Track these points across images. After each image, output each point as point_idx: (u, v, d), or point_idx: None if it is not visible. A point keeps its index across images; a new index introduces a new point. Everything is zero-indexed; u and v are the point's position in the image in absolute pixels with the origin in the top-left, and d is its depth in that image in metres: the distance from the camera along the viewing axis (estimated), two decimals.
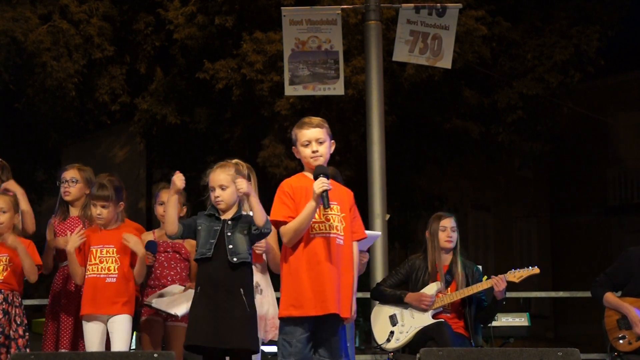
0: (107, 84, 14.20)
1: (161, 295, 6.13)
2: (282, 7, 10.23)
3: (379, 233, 6.09)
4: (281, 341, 4.80)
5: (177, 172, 5.25)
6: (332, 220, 4.79)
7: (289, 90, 9.92)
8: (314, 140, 4.86)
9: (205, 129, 14.47)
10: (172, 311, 6.01)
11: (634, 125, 21.46)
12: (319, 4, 12.16)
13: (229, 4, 13.40)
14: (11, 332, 5.89)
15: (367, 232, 5.94)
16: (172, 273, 6.25)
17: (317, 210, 4.76)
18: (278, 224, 4.82)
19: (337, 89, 9.75)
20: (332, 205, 4.78)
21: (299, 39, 9.64)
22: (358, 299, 6.18)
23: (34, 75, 13.26)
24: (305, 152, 4.87)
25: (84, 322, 5.88)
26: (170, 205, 5.21)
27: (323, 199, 4.67)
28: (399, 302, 6.40)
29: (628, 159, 21.89)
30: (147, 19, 14.55)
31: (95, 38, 13.63)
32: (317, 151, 4.85)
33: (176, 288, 6.17)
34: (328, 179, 4.74)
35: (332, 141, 4.98)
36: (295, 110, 12.92)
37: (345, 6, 10.35)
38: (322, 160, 4.85)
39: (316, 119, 4.96)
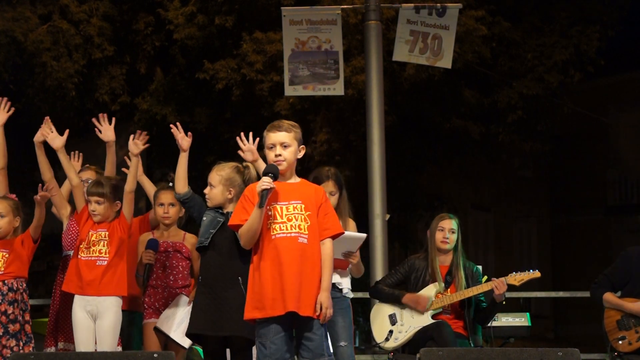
0: (107, 84, 14.20)
1: (168, 315, 6.12)
2: (282, 7, 10.23)
3: (364, 235, 6.03)
4: (258, 345, 4.80)
5: (172, 126, 5.69)
6: (294, 220, 4.80)
7: (289, 91, 9.93)
8: (279, 144, 4.87)
9: (205, 129, 14.47)
10: (180, 340, 6.02)
11: (634, 125, 21.46)
12: (319, 4, 12.15)
13: (229, 4, 13.40)
14: (20, 318, 6.00)
15: (351, 233, 5.92)
16: (175, 272, 6.27)
17: (280, 211, 4.79)
18: (238, 228, 4.86)
19: (337, 89, 9.75)
20: (295, 204, 4.82)
21: (299, 39, 9.64)
22: (358, 299, 6.19)
23: (34, 75, 13.26)
24: (269, 156, 4.90)
25: (73, 315, 5.90)
26: (180, 164, 5.54)
27: (261, 198, 4.68)
28: (396, 302, 6.41)
29: (628, 159, 21.90)
30: (147, 19, 14.54)
31: (95, 38, 13.63)
32: (279, 155, 4.85)
33: (182, 301, 6.16)
34: (275, 179, 4.76)
35: (302, 146, 4.97)
36: (295, 110, 12.92)
37: (345, 6, 10.35)
38: (285, 165, 4.85)
39: (286, 123, 4.96)
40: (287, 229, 4.77)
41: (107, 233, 5.97)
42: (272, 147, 4.88)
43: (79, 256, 5.96)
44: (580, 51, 13.86)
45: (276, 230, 4.77)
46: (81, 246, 5.98)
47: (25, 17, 12.97)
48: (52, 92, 13.39)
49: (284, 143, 4.87)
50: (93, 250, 5.93)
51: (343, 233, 5.05)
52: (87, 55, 13.68)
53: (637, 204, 21.90)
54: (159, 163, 16.46)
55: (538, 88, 13.85)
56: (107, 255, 5.92)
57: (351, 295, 6.08)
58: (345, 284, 6.01)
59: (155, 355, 4.89)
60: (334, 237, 4.92)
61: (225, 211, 5.38)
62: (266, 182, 4.70)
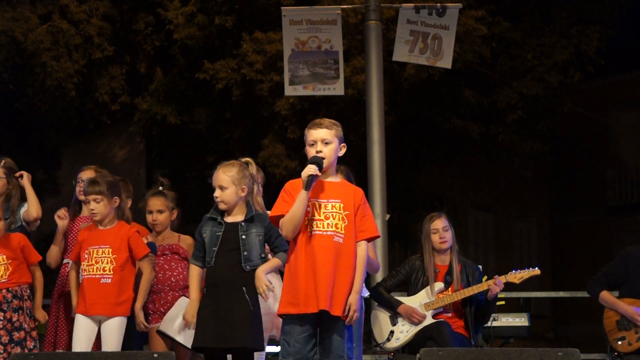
0: (107, 84, 14.20)
1: (171, 317, 6.10)
2: (282, 7, 10.23)
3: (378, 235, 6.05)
4: (282, 341, 4.85)
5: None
6: (332, 218, 4.83)
7: (289, 91, 9.93)
8: (320, 141, 4.90)
9: (205, 129, 14.47)
10: (186, 343, 5.99)
11: (634, 125, 21.46)
12: (319, 4, 12.15)
13: (229, 4, 13.40)
14: (25, 325, 5.96)
15: None
16: (175, 274, 6.26)
17: (319, 208, 4.82)
18: (278, 220, 4.87)
19: (337, 89, 9.75)
20: (333, 203, 4.85)
21: (299, 39, 9.64)
22: None
23: (34, 75, 13.26)
24: (310, 153, 4.93)
25: (76, 317, 5.88)
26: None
27: (307, 182, 4.73)
28: (391, 310, 6.42)
29: (628, 159, 21.90)
30: (147, 19, 14.54)
31: (95, 38, 13.64)
32: (320, 152, 4.88)
33: (184, 303, 6.15)
34: (320, 169, 4.79)
35: (343, 144, 4.99)
36: (295, 111, 12.92)
37: (345, 6, 10.34)
38: (325, 162, 4.87)
39: (327, 121, 5.00)
40: (323, 227, 4.81)
41: (110, 249, 5.85)
42: (313, 144, 4.91)
43: (84, 275, 5.87)
44: (580, 51, 13.86)
45: (313, 228, 4.81)
46: (86, 265, 5.86)
47: (25, 17, 12.98)
48: (52, 92, 13.39)
49: (325, 140, 4.90)
50: (97, 267, 5.82)
51: (379, 237, 5.07)
52: (87, 55, 13.68)
53: (637, 204, 21.89)
54: (158, 163, 16.46)
55: (538, 88, 13.85)
56: (112, 273, 5.80)
57: (366, 294, 6.10)
58: None
59: (155, 355, 4.88)
60: (369, 240, 4.95)
61: (226, 220, 5.25)
62: (312, 168, 4.75)
